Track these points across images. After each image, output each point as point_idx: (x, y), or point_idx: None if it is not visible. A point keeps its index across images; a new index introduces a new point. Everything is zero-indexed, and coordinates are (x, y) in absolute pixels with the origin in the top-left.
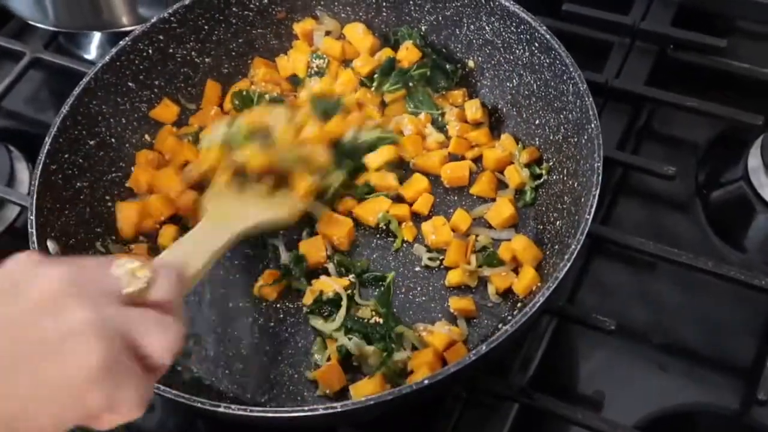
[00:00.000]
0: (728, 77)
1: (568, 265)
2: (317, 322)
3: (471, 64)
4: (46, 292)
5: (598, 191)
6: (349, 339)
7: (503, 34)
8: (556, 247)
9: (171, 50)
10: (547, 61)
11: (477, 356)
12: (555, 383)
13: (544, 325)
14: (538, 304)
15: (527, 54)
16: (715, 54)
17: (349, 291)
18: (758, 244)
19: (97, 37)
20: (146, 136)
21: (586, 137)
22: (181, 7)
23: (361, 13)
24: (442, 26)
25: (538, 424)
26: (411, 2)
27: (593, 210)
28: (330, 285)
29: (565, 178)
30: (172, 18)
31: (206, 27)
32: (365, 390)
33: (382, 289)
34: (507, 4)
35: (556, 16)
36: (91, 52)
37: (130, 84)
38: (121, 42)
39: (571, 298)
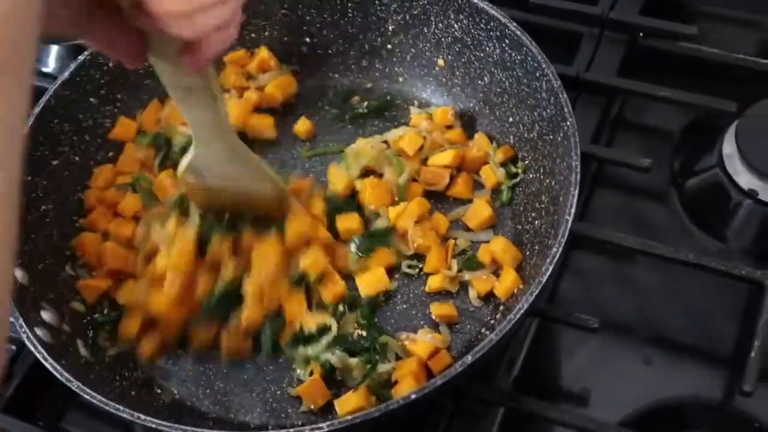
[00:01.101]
0: (700, 63)
1: (551, 269)
2: (298, 352)
3: (441, 62)
4: None
5: (577, 191)
6: (332, 354)
7: (472, 31)
8: (536, 247)
9: None
10: (519, 57)
11: (463, 367)
12: (540, 383)
13: (527, 324)
14: (522, 311)
15: (498, 51)
16: (686, 40)
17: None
18: (735, 231)
19: (54, 49)
20: (111, 153)
21: (561, 135)
22: None
23: (326, 15)
24: (410, 25)
25: (525, 426)
26: (377, 2)
27: (573, 210)
28: (311, 320)
29: (542, 177)
30: None
31: None
32: (350, 404)
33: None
34: (475, 0)
35: (525, 8)
36: (50, 65)
37: (91, 100)
38: (80, 57)
39: (552, 294)
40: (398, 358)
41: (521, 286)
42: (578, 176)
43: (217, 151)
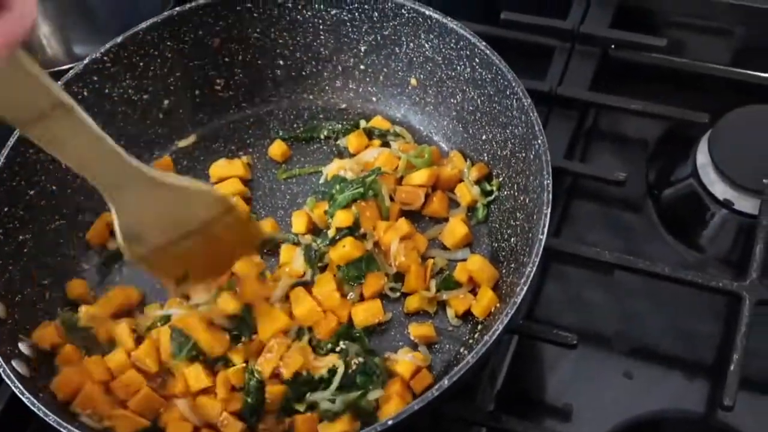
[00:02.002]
0: (672, 73)
1: (525, 288)
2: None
3: (413, 82)
4: None
5: (549, 209)
6: (333, 403)
7: (443, 50)
8: (512, 265)
9: (107, 90)
10: (489, 76)
11: (440, 391)
12: (522, 400)
13: (507, 340)
14: (497, 332)
15: (468, 70)
16: (657, 52)
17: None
18: (712, 241)
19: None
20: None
21: (533, 153)
22: (114, 45)
23: (299, 38)
24: (382, 46)
25: None
26: (349, 24)
27: (546, 229)
28: (319, 365)
29: (516, 194)
30: (105, 57)
31: (141, 64)
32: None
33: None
34: (445, 21)
35: (496, 23)
36: None
37: None
38: (58, 82)
39: (532, 307)
40: (383, 381)
41: (498, 305)
42: (550, 195)
43: (135, 195)
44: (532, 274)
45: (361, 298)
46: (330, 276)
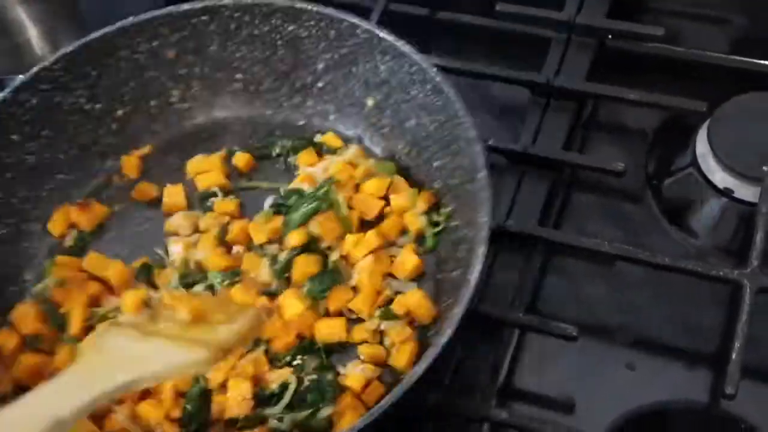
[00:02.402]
0: (670, 63)
1: (448, 334)
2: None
3: (370, 102)
4: None
5: (485, 249)
6: (281, 421)
7: (398, 74)
8: (451, 300)
9: (57, 99)
10: (440, 103)
11: (393, 400)
12: (524, 394)
13: (507, 335)
14: (415, 376)
15: (422, 95)
16: (654, 41)
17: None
18: (713, 230)
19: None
20: (33, 192)
21: (478, 186)
22: (65, 54)
23: (256, 52)
24: (339, 65)
25: None
26: (306, 41)
27: (478, 269)
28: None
29: (462, 226)
30: (55, 66)
31: (94, 73)
32: None
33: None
34: (398, 44)
35: (491, 15)
36: None
37: (13, 137)
38: (0, 95)
39: (532, 302)
40: (334, 397)
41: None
42: (487, 234)
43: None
44: (459, 318)
45: (327, 313)
46: (294, 290)
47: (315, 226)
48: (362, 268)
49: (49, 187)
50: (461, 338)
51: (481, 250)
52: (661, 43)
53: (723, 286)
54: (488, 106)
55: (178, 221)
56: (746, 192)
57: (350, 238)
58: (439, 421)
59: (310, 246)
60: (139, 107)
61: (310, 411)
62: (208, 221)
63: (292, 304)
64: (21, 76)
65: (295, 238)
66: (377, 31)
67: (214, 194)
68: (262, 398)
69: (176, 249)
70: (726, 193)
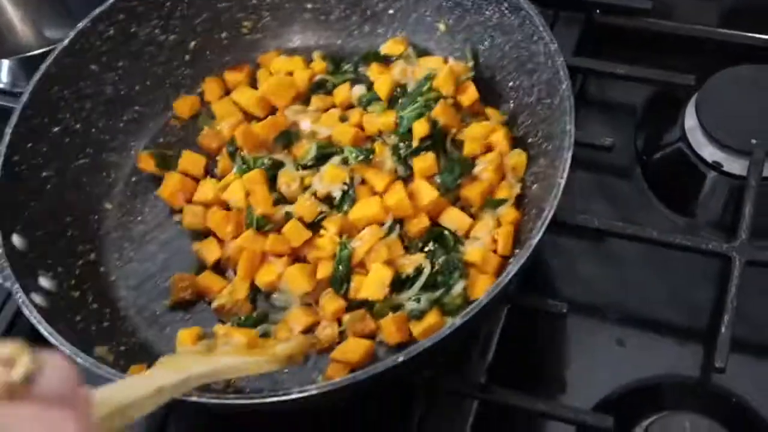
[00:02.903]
0: (658, 36)
1: (542, 230)
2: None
3: (442, 27)
4: None
5: (570, 153)
6: (418, 302)
7: None
8: (534, 211)
9: (133, 29)
10: (517, 21)
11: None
12: (514, 371)
13: (498, 312)
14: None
15: (497, 15)
16: (642, 15)
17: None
18: (702, 205)
19: (5, 63)
20: (111, 121)
21: (558, 98)
22: None
23: None
24: None
25: (501, 416)
26: None
27: (566, 173)
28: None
29: (540, 141)
30: None
31: (168, 4)
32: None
33: None
34: None
35: None
36: (2, 79)
37: (92, 67)
38: (79, 24)
39: (525, 276)
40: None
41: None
42: (572, 138)
43: None
44: (548, 217)
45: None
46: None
47: (437, 115)
48: (489, 160)
49: (126, 119)
50: None
51: (567, 155)
52: (648, 17)
53: (713, 260)
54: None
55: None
56: (735, 165)
57: (474, 127)
58: (429, 398)
59: (434, 135)
60: (211, 38)
61: (444, 289)
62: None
63: (427, 191)
64: (5, 60)
65: (421, 127)
66: None
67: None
68: (396, 282)
69: (306, 125)
70: (715, 166)
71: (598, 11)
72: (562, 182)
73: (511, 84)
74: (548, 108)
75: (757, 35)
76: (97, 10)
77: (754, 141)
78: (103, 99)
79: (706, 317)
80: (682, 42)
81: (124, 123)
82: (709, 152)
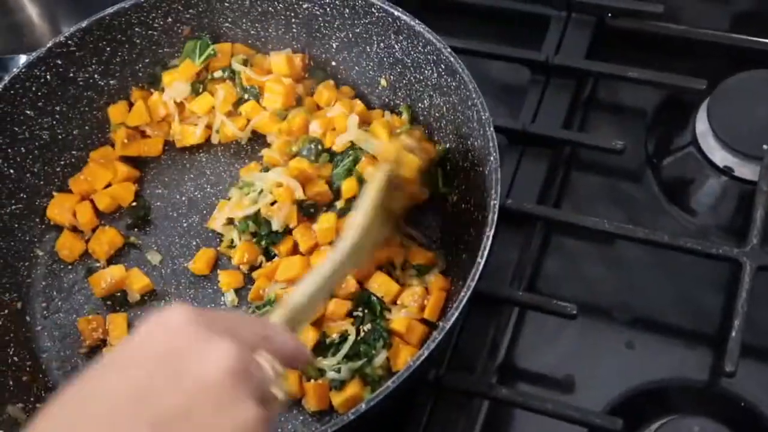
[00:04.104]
0: (670, 41)
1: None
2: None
3: (384, 82)
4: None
5: (492, 231)
6: (338, 372)
7: (412, 53)
8: (461, 282)
9: (71, 74)
10: (453, 84)
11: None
12: (523, 372)
13: (507, 313)
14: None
15: (435, 75)
16: (654, 19)
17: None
18: (713, 209)
19: (22, 60)
20: (47, 167)
21: (487, 169)
22: (78, 30)
23: (270, 29)
24: (353, 43)
25: (510, 416)
26: (320, 19)
27: (486, 252)
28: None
29: (471, 209)
30: (69, 41)
31: (108, 49)
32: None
33: None
34: (413, 23)
35: None
36: None
37: (27, 112)
38: (14, 69)
39: (531, 281)
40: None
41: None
42: (495, 216)
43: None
44: (465, 298)
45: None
46: None
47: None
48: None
49: (63, 163)
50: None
51: (489, 233)
52: (660, 21)
53: (723, 264)
54: (488, 85)
55: None
56: (746, 170)
57: None
58: (440, 397)
59: None
60: (157, 81)
61: (366, 359)
62: None
63: None
64: (23, 55)
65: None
66: (393, 10)
67: None
68: (321, 348)
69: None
70: (726, 171)
71: (609, 14)
72: (482, 262)
73: (448, 146)
74: (480, 176)
75: None
76: (33, 55)
77: (765, 146)
78: (38, 144)
79: (715, 321)
80: (694, 46)
81: (60, 168)
82: (721, 157)
